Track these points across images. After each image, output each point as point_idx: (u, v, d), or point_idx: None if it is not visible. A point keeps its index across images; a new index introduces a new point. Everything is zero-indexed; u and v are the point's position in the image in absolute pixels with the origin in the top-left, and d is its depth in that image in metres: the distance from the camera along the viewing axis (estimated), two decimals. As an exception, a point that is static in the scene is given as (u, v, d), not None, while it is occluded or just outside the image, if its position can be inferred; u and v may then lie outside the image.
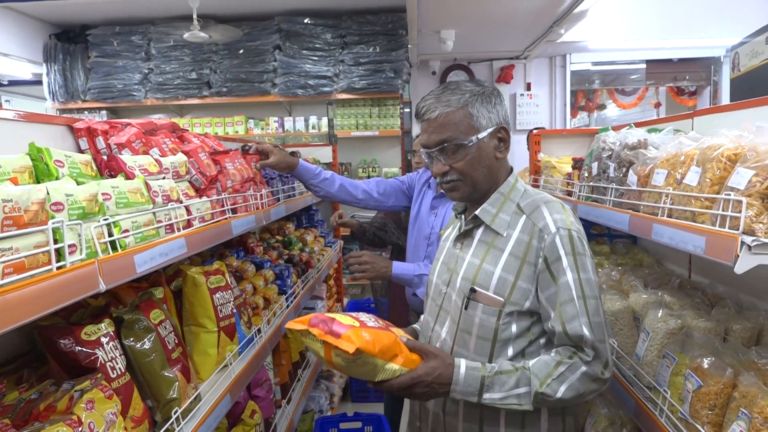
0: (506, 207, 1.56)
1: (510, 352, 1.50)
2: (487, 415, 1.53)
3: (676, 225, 1.47)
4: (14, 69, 5.73)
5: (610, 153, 2.18)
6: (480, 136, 1.51)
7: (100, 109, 5.81)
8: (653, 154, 1.86)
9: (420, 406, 1.70)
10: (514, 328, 1.49)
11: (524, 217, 1.52)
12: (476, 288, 1.52)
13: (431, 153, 1.56)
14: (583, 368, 1.42)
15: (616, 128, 2.41)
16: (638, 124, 2.39)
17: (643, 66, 7.70)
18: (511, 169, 1.64)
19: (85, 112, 5.77)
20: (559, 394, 1.41)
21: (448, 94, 1.53)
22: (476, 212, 1.58)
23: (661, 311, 1.83)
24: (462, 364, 1.45)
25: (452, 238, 1.70)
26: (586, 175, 2.42)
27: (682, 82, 7.84)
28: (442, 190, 2.48)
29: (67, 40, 5.80)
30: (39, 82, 5.91)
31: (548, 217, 1.49)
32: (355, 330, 1.33)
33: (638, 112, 8.67)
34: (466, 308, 1.54)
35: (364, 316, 1.49)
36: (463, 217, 1.68)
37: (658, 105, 8.61)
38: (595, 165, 2.30)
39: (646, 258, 2.73)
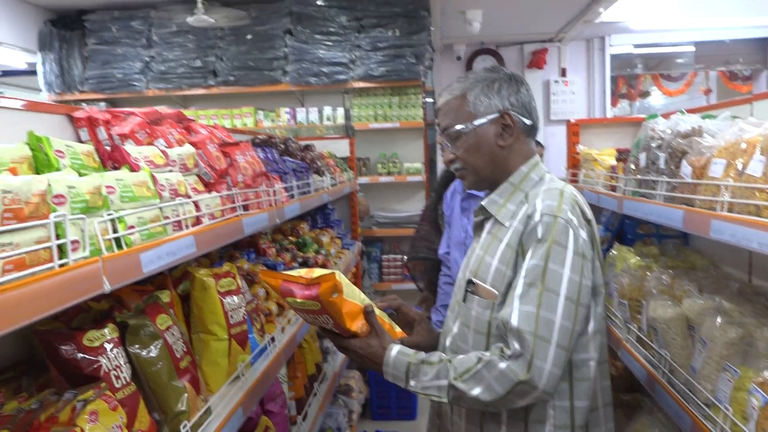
0: (515, 197, 1.62)
1: None
2: (469, 409, 1.61)
3: (739, 220, 1.44)
4: (7, 58, 5.79)
5: (660, 142, 2.15)
6: (476, 122, 1.60)
7: (98, 100, 5.86)
8: (709, 143, 1.82)
9: None
10: None
11: (526, 205, 1.57)
12: (474, 280, 1.58)
13: (443, 141, 1.69)
14: (501, 366, 1.41)
15: (665, 116, 2.37)
16: (690, 111, 2.34)
17: (692, 48, 7.58)
18: (532, 157, 1.67)
19: (83, 104, 5.83)
20: (473, 393, 1.43)
21: (458, 81, 1.66)
22: (483, 203, 1.66)
23: (719, 318, 1.79)
24: (395, 347, 1.56)
25: None
26: (633, 167, 2.38)
27: (735, 65, 7.72)
28: (468, 190, 2.48)
29: (64, 27, 5.87)
30: (33, 72, 5.98)
31: (539, 203, 1.52)
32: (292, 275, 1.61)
33: (686, 100, 8.55)
34: (464, 301, 1.62)
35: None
36: None
37: (708, 91, 8.49)
38: (642, 156, 2.27)
39: (700, 260, 2.68)
